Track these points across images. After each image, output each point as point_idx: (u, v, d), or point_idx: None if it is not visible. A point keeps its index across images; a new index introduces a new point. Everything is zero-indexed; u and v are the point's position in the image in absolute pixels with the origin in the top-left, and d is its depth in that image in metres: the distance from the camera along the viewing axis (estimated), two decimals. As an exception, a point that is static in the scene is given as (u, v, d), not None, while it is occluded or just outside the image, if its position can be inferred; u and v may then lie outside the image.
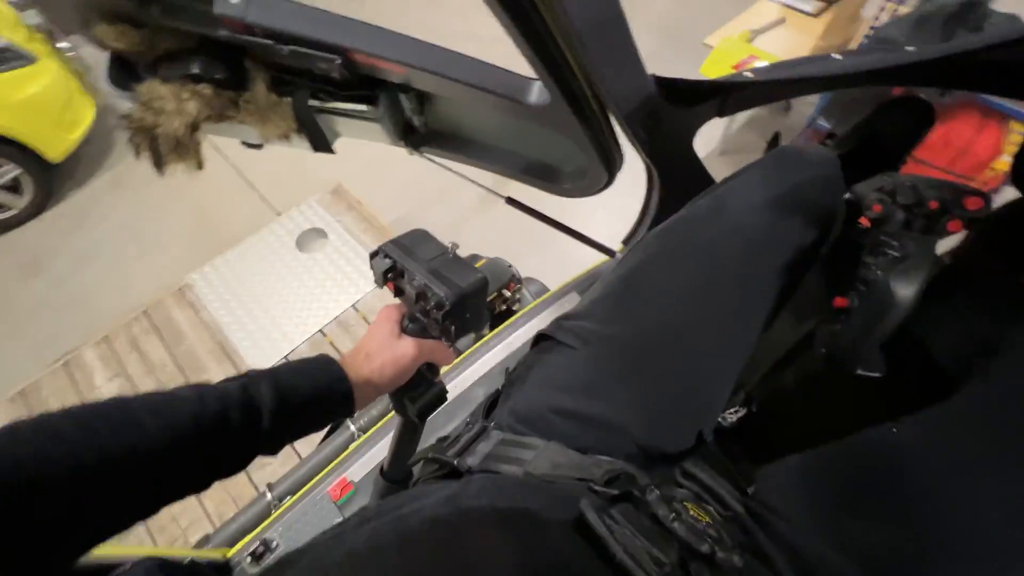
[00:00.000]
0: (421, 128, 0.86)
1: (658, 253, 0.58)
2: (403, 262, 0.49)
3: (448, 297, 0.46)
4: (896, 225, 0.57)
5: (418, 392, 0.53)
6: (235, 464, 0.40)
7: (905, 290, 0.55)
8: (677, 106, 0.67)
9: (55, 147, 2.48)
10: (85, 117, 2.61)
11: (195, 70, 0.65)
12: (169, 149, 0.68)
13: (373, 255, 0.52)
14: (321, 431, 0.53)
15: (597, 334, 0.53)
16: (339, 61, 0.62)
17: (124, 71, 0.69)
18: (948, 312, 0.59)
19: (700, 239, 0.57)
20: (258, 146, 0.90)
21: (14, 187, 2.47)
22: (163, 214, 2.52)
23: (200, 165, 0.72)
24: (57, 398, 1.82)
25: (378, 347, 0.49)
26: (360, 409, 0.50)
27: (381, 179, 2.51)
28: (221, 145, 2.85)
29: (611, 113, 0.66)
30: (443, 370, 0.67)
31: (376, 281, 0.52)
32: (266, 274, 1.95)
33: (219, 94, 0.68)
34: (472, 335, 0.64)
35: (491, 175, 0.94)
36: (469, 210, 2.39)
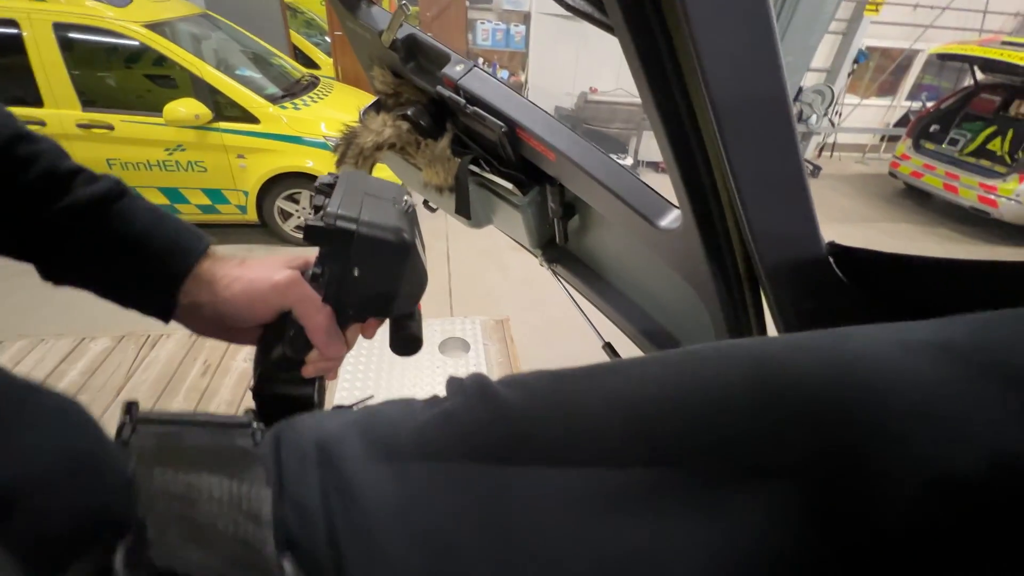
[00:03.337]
0: (560, 242, 0.83)
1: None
2: (341, 184, 0.41)
3: (324, 219, 0.36)
4: None
5: (268, 354, 0.41)
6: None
7: None
8: (861, 303, 0.46)
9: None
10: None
11: (409, 112, 0.79)
12: (353, 155, 0.80)
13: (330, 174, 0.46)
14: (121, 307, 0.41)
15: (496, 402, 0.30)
16: (504, 129, 0.66)
17: (373, 108, 0.88)
18: None
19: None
20: (433, 209, 1.01)
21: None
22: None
23: (367, 179, 0.83)
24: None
25: (257, 264, 0.40)
26: (189, 325, 0.40)
27: (545, 340, 2.59)
28: (453, 255, 3.44)
29: (759, 277, 0.50)
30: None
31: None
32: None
33: (411, 134, 0.79)
34: (359, 326, 0.47)
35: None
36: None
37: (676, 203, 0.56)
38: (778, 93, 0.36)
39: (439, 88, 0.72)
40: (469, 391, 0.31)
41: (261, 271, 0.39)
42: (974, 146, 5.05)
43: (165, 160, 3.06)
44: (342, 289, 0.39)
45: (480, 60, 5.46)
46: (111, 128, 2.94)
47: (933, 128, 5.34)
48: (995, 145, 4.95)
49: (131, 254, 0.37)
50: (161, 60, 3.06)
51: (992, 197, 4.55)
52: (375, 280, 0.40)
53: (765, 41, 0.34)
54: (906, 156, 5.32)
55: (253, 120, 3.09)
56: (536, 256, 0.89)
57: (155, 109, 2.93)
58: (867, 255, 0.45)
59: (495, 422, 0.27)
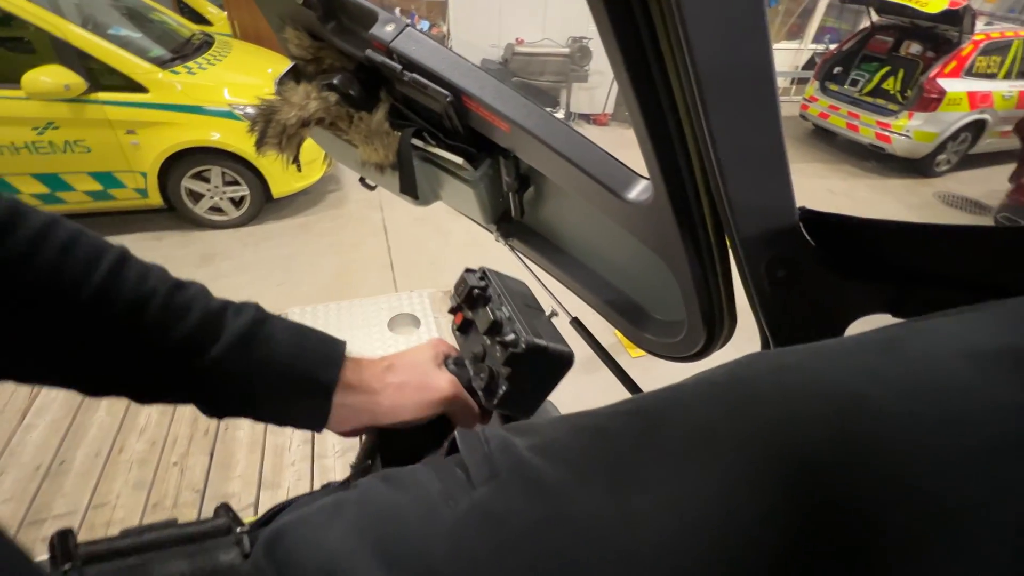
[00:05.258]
0: (516, 216, 0.79)
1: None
2: (498, 289, 0.45)
3: (528, 342, 0.40)
4: None
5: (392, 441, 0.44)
6: (150, 379, 0.35)
7: None
8: (828, 266, 0.47)
9: (282, 187, 3.11)
10: (314, 175, 3.26)
11: (335, 81, 0.69)
12: (275, 134, 0.70)
13: (470, 270, 0.50)
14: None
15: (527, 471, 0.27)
16: (449, 98, 0.60)
17: (291, 76, 0.77)
18: None
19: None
20: (371, 187, 0.92)
21: (237, 203, 3.10)
22: (317, 260, 2.88)
23: (293, 161, 0.73)
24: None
25: (409, 364, 0.42)
26: (341, 429, 0.42)
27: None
28: (389, 225, 3.29)
29: (733, 245, 0.50)
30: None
31: (454, 297, 0.50)
32: (351, 333, 1.97)
33: (341, 106, 0.70)
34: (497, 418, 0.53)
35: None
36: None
37: (641, 173, 0.54)
38: (764, 60, 0.33)
39: (369, 53, 0.64)
40: (503, 473, 0.26)
41: (422, 376, 0.42)
42: (871, 86, 5.45)
43: (35, 141, 2.61)
44: (508, 400, 0.42)
45: (397, 10, 5.06)
46: (-44, 106, 2.45)
47: (837, 70, 5.68)
48: (889, 84, 5.37)
49: (280, 379, 0.38)
50: (7, 19, 2.55)
51: (887, 134, 4.98)
52: (539, 390, 0.44)
53: (753, 6, 0.31)
54: (814, 98, 5.65)
55: (140, 89, 2.69)
56: (491, 232, 0.85)
57: (11, 80, 2.47)
58: (834, 219, 0.45)
59: (548, 521, 0.23)
